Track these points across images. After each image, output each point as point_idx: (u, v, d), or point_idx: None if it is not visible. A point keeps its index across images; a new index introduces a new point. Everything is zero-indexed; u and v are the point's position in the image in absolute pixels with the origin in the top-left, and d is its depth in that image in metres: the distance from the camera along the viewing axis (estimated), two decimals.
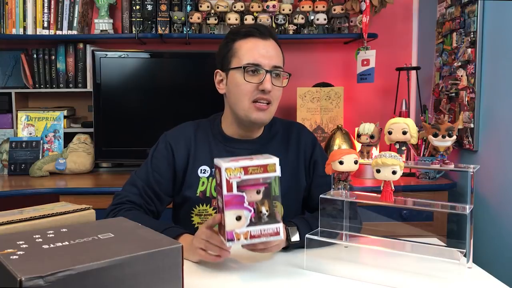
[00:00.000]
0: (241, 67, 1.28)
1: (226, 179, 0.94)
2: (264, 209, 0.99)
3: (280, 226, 0.98)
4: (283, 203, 1.33)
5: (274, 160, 0.97)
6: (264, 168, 0.96)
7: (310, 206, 1.40)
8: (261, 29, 1.32)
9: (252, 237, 0.96)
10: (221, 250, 1.05)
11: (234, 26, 2.38)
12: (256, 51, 1.28)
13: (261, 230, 0.97)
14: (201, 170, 1.35)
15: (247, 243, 1.00)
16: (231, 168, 0.94)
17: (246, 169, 0.95)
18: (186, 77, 2.37)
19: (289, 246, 1.19)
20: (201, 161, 1.35)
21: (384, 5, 2.39)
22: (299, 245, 1.18)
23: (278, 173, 0.97)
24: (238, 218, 0.96)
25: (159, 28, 2.46)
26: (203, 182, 1.34)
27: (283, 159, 1.37)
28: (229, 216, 0.96)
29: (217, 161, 0.98)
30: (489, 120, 1.94)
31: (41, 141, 2.46)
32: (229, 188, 0.95)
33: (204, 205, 1.33)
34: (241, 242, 0.97)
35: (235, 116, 1.33)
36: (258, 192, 0.98)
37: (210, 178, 1.34)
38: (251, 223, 0.97)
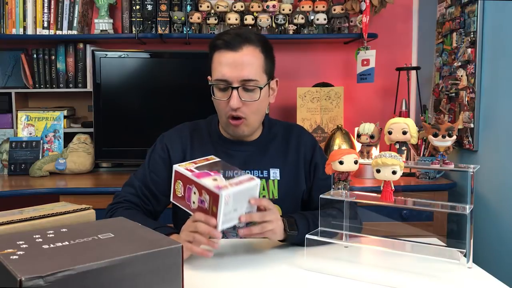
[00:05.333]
0: (212, 84, 1.29)
1: (185, 169, 1.07)
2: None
3: (250, 175, 1.11)
4: (281, 205, 1.33)
5: (212, 155, 1.15)
6: (207, 159, 1.15)
7: (311, 209, 1.39)
8: (231, 40, 1.24)
9: (235, 184, 1.05)
10: (209, 241, 1.05)
11: (234, 26, 2.38)
12: (224, 65, 1.25)
13: (239, 180, 1.07)
14: None
15: (236, 190, 1.03)
16: (182, 164, 1.10)
17: (194, 162, 1.12)
18: (186, 77, 2.37)
19: (288, 238, 1.20)
20: None
21: (384, 5, 2.39)
22: (297, 241, 1.18)
23: (217, 158, 1.14)
24: (215, 180, 1.05)
25: (159, 28, 2.46)
26: None
27: (282, 161, 1.37)
28: (207, 181, 1.04)
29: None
30: (489, 120, 1.94)
31: (41, 141, 2.46)
32: (191, 171, 1.07)
33: None
34: (229, 190, 1.02)
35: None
36: (215, 180, 1.06)
37: None
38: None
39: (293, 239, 1.20)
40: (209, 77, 1.37)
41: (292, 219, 1.20)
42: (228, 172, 1.09)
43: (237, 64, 1.24)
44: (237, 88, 1.24)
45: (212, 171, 1.08)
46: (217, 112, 1.36)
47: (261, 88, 1.28)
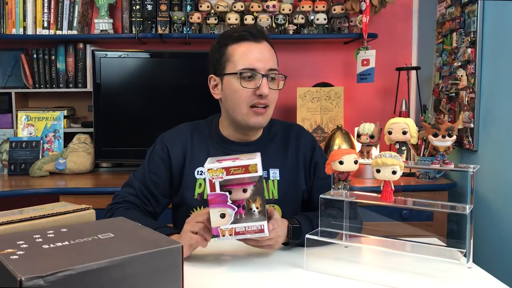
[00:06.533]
0: (236, 72, 1.27)
1: (209, 179, 1.00)
2: (254, 206, 1.02)
3: (265, 223, 1.02)
4: (281, 206, 1.33)
5: (256, 161, 1.00)
6: (246, 168, 1.00)
7: (311, 209, 1.38)
8: (254, 31, 1.31)
9: (236, 233, 1.02)
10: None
11: (234, 26, 2.38)
12: (251, 55, 1.27)
13: (245, 227, 1.02)
14: (198, 171, 1.34)
15: (231, 239, 1.04)
16: (213, 169, 1.00)
17: (227, 170, 1.00)
18: (186, 77, 2.37)
19: (288, 243, 1.20)
20: (198, 163, 1.34)
21: (384, 5, 2.39)
22: (300, 243, 1.18)
23: (260, 173, 1.00)
24: (222, 216, 1.01)
25: (159, 28, 2.46)
26: (200, 184, 1.33)
27: (282, 161, 1.37)
28: (214, 214, 1.01)
29: (206, 162, 1.04)
30: (489, 120, 1.94)
31: (41, 141, 2.46)
32: (212, 188, 1.01)
33: (202, 207, 1.32)
34: (226, 238, 1.02)
35: (233, 120, 1.33)
36: (244, 191, 1.01)
37: None
38: (237, 220, 1.02)
39: (294, 244, 1.21)
40: (212, 75, 1.36)
41: (297, 227, 1.19)
42: (251, 199, 1.02)
43: (263, 54, 1.28)
44: (266, 76, 1.27)
45: (235, 190, 1.01)
46: (230, 107, 1.31)
47: (284, 77, 1.33)
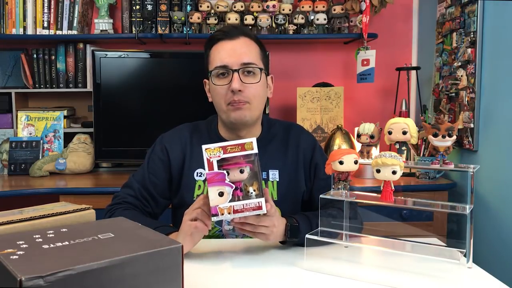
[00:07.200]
0: (211, 71, 1.29)
1: (207, 158, 1.02)
2: (251, 189, 1.04)
3: (262, 200, 1.03)
4: (281, 207, 1.33)
5: (252, 140, 1.04)
6: (242, 146, 1.03)
7: (312, 210, 1.37)
8: (229, 30, 1.31)
9: (235, 211, 1.03)
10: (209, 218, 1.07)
11: None
12: (223, 52, 1.28)
13: (243, 205, 1.03)
14: (197, 173, 1.34)
15: (231, 217, 1.05)
16: (210, 148, 1.03)
17: (224, 148, 1.03)
18: (186, 77, 2.37)
19: (286, 242, 1.20)
20: (197, 164, 1.34)
21: (384, 5, 2.39)
22: (298, 243, 1.18)
23: (255, 150, 1.03)
24: (221, 194, 1.03)
25: (159, 28, 2.46)
26: (200, 186, 1.33)
27: (282, 161, 1.37)
28: (212, 192, 1.03)
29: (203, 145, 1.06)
30: (489, 120, 1.94)
31: (41, 141, 2.46)
32: (210, 167, 1.03)
33: None
34: (225, 217, 1.03)
35: (221, 120, 1.34)
36: (241, 172, 1.03)
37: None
38: (236, 200, 1.03)
39: (292, 243, 1.20)
40: (205, 80, 1.38)
41: (295, 225, 1.18)
42: (248, 183, 1.03)
43: (235, 49, 1.27)
44: (237, 70, 1.26)
45: (233, 170, 1.03)
46: (216, 107, 1.33)
47: (261, 70, 1.29)
